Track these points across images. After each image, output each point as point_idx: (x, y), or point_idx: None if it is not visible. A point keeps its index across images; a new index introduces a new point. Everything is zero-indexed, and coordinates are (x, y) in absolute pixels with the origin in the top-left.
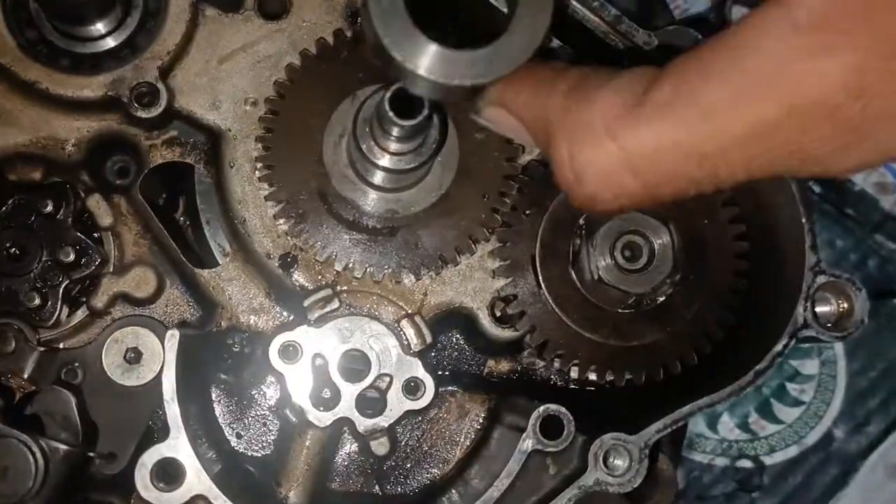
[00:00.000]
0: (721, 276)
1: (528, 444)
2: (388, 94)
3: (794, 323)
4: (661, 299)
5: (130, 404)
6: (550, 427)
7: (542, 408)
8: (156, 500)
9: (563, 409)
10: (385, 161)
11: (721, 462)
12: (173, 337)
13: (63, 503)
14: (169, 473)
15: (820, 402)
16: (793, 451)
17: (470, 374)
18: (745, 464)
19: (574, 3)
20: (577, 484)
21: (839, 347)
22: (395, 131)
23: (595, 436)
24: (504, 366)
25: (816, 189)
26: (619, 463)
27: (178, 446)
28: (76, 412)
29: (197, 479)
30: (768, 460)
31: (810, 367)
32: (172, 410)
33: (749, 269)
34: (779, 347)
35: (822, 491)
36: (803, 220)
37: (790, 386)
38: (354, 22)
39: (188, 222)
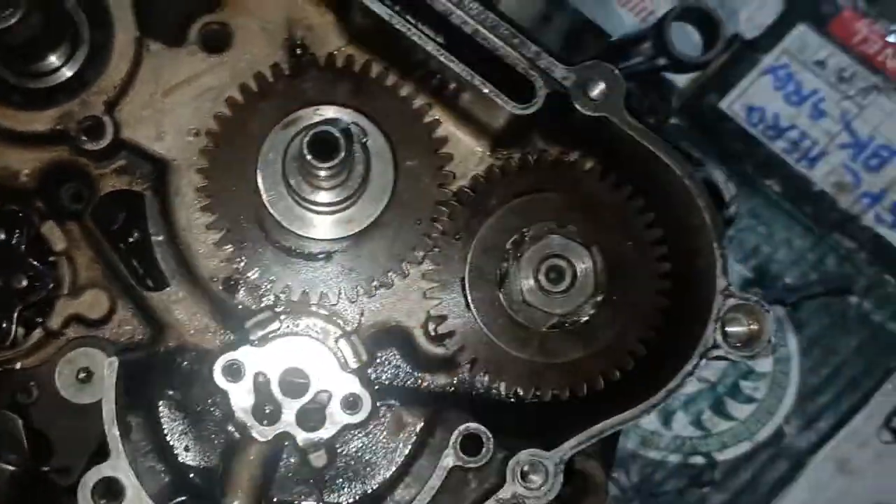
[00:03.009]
0: (643, 296)
1: (448, 460)
2: (307, 139)
3: (705, 343)
4: (585, 319)
5: (83, 420)
6: (471, 444)
7: (462, 426)
8: None
9: (483, 428)
10: (314, 195)
11: (674, 458)
12: (112, 365)
13: None
14: (111, 491)
15: (772, 400)
16: (744, 447)
17: (408, 388)
18: (698, 460)
19: (493, 38)
20: (495, 497)
21: (793, 345)
22: (318, 171)
23: (514, 452)
24: (440, 380)
25: (776, 188)
26: (535, 478)
27: (118, 466)
28: (23, 433)
29: (136, 496)
30: (720, 456)
31: (764, 364)
32: (112, 434)
33: (671, 289)
34: (689, 367)
35: (771, 486)
36: (714, 245)
37: (744, 384)
38: (294, 54)
39: (141, 246)
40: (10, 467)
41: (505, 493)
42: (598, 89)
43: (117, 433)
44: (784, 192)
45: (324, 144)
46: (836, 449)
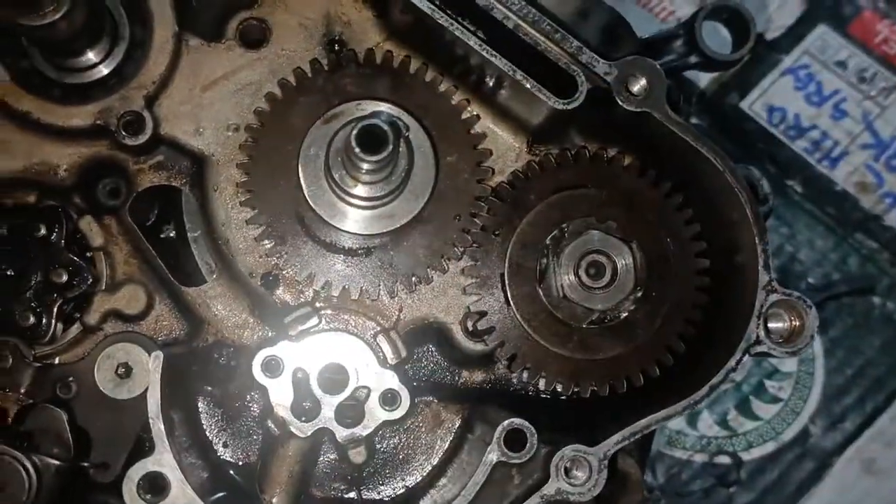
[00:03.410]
0: (683, 292)
1: (492, 456)
2: (355, 132)
3: (748, 339)
4: (625, 315)
5: (122, 416)
6: (515, 440)
7: (506, 422)
8: None
9: (527, 424)
10: (357, 189)
11: (700, 458)
12: (157, 358)
13: None
14: (155, 486)
15: (797, 399)
16: (770, 447)
17: (445, 384)
18: (724, 459)
19: (535, 33)
20: (539, 493)
21: (818, 345)
22: (363, 165)
23: (557, 447)
24: (478, 376)
25: (798, 189)
26: (580, 473)
27: (163, 461)
28: (68, 428)
29: (181, 491)
30: (746, 456)
31: (789, 364)
32: (157, 428)
33: (710, 285)
34: (732, 363)
35: (797, 486)
36: (756, 240)
37: (769, 383)
38: (332, 50)
39: (176, 242)
40: (55, 462)
41: (549, 488)
42: (639, 84)
43: (162, 427)
44: (806, 192)
45: (372, 137)
46: (861, 449)
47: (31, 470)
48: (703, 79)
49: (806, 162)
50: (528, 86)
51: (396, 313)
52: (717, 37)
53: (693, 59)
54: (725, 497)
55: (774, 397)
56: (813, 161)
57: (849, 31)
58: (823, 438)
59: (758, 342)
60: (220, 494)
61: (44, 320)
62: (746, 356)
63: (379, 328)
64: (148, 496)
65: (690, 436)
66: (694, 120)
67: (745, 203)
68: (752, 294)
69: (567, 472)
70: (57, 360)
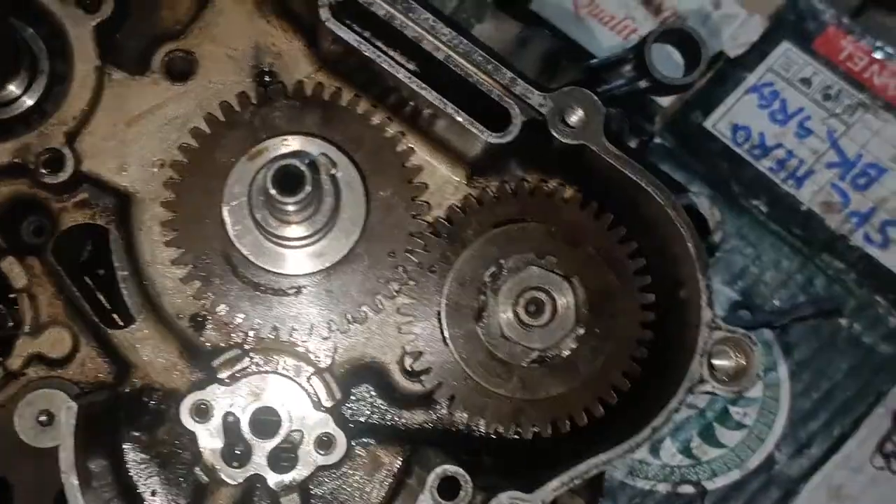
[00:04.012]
0: (627, 328)
1: None
2: (271, 173)
3: (691, 378)
4: (567, 353)
5: (45, 464)
6: (449, 488)
7: (439, 469)
8: None
9: (461, 471)
10: (281, 230)
11: (663, 488)
12: (70, 410)
13: None
14: None
15: (763, 425)
16: (735, 476)
17: (384, 426)
18: (687, 489)
19: (466, 64)
20: None
21: (783, 369)
22: (284, 206)
23: (493, 494)
24: (418, 417)
25: (763, 209)
26: None
27: None
28: None
29: None
30: (710, 485)
31: (754, 389)
32: (70, 482)
33: (655, 321)
34: (674, 404)
35: None
36: (699, 276)
37: (733, 409)
38: (261, 82)
39: (106, 281)
40: None
41: None
42: (576, 116)
43: (76, 482)
44: (771, 212)
45: (289, 178)
46: (828, 475)
47: None
48: (666, 98)
49: (771, 181)
50: (459, 119)
51: (331, 354)
52: (669, 61)
53: (643, 83)
54: None
55: (739, 423)
56: (778, 180)
57: (813, 48)
58: (789, 465)
59: (702, 381)
60: None
61: None
62: (689, 395)
63: (313, 369)
64: None
65: (653, 465)
66: (658, 140)
67: (687, 239)
68: (696, 331)
69: None
70: None
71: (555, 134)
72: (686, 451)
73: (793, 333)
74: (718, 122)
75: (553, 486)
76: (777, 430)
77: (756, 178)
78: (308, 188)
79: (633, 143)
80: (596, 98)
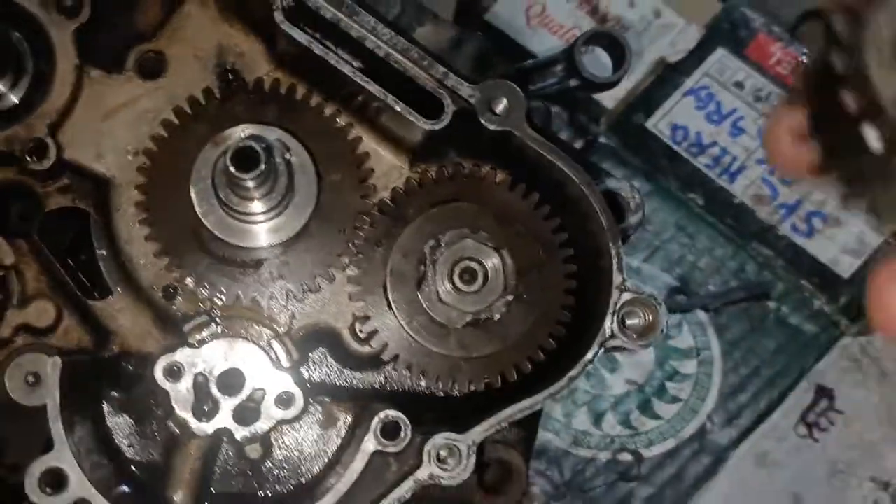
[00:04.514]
0: (553, 295)
1: (369, 444)
2: (230, 153)
3: (603, 334)
4: (497, 316)
5: (32, 421)
6: (390, 430)
7: (382, 413)
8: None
9: (401, 415)
10: (242, 206)
11: (604, 456)
12: (55, 365)
13: None
14: (55, 481)
15: (696, 399)
16: (669, 444)
17: (339, 385)
18: (626, 457)
19: (404, 60)
20: (413, 477)
21: (716, 348)
22: (242, 182)
23: (430, 436)
24: (369, 377)
25: (699, 202)
26: (451, 460)
27: (62, 457)
28: None
29: (79, 485)
30: (647, 453)
31: (689, 367)
32: (56, 428)
33: (577, 288)
34: (589, 356)
35: (694, 479)
36: (610, 244)
37: (669, 385)
38: (225, 79)
39: (88, 258)
40: None
41: (422, 473)
42: (501, 105)
43: (61, 427)
44: (707, 204)
45: (246, 157)
46: (755, 444)
47: None
48: (610, 100)
49: (707, 176)
50: (398, 109)
51: (289, 320)
52: (598, 63)
53: (573, 81)
54: (626, 491)
55: (675, 398)
56: (713, 175)
57: (745, 54)
58: (720, 434)
59: (612, 336)
60: (124, 488)
61: None
62: (602, 349)
63: (273, 334)
64: (48, 489)
65: (595, 435)
66: (602, 139)
67: (600, 213)
68: (607, 295)
69: (440, 458)
70: None
71: (483, 121)
72: (626, 422)
73: (725, 315)
74: (659, 123)
75: (482, 428)
76: (709, 404)
77: (693, 173)
78: (262, 166)
79: (578, 144)
80: (518, 89)
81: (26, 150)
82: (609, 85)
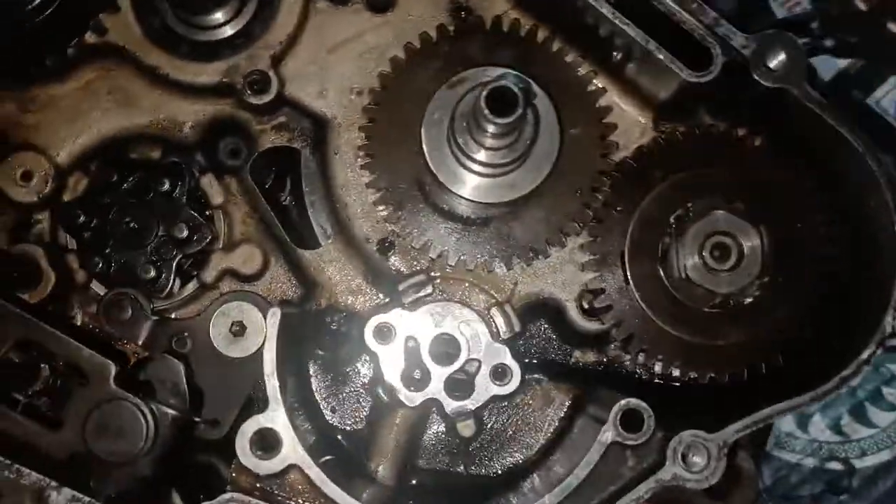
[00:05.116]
0: (811, 280)
1: (608, 435)
2: (485, 92)
3: (882, 331)
4: (749, 300)
5: (234, 374)
6: (631, 420)
7: (623, 401)
8: (254, 466)
9: (644, 404)
10: (480, 155)
11: (810, 462)
12: (275, 315)
13: (170, 465)
14: (267, 443)
15: None
16: (885, 456)
17: (556, 363)
18: (835, 466)
19: (669, 2)
20: (654, 478)
21: None
22: (491, 128)
23: (674, 432)
24: (590, 357)
25: None
26: (698, 460)
27: (275, 418)
28: (184, 380)
29: (292, 449)
30: (859, 463)
31: None
32: (272, 384)
33: (841, 274)
34: (865, 356)
35: None
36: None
37: (886, 390)
38: (458, 16)
39: (293, 204)
40: (172, 412)
41: (665, 473)
42: (777, 60)
43: (277, 384)
44: None
45: (503, 99)
46: None
47: (150, 417)
48: (826, 74)
49: None
50: (660, 57)
51: (511, 287)
52: None
53: (829, 42)
54: None
55: (892, 405)
56: None
57: None
58: None
59: (893, 335)
60: (327, 457)
61: (163, 275)
62: (880, 349)
63: (493, 301)
64: (259, 452)
65: (801, 439)
66: None
67: (885, 190)
68: (889, 286)
69: (684, 457)
70: (173, 315)
71: (756, 76)
72: (835, 427)
73: None
74: (882, 100)
75: (735, 428)
76: None
77: None
78: (520, 110)
79: None
80: (799, 42)
81: (247, 82)
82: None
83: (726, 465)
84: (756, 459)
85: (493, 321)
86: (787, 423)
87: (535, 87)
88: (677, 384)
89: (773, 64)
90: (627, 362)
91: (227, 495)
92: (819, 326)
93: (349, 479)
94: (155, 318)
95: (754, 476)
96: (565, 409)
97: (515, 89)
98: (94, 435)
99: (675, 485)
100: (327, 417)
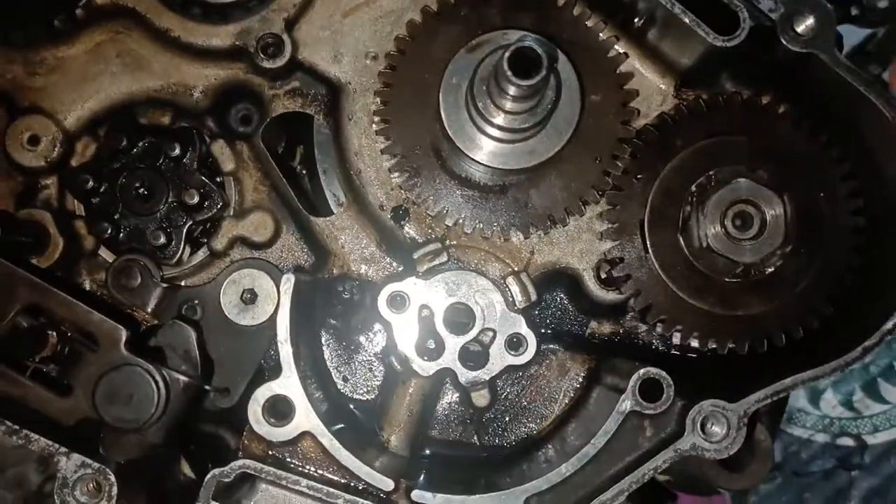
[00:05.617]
0: (835, 251)
1: (626, 404)
2: (508, 54)
3: None
4: (770, 270)
5: (244, 342)
6: (650, 390)
7: (642, 370)
8: (266, 434)
9: (664, 373)
10: (500, 119)
11: (821, 438)
12: (289, 281)
13: (180, 432)
14: (279, 410)
15: None
16: None
17: (572, 333)
18: (847, 442)
19: None
20: (673, 447)
21: None
22: (512, 90)
23: (694, 401)
24: (606, 328)
25: None
26: (717, 430)
27: (288, 385)
28: (196, 347)
29: (305, 416)
30: (871, 440)
31: None
32: (285, 350)
33: (864, 245)
34: (889, 325)
35: None
36: None
37: None
38: None
39: (305, 171)
40: (183, 378)
41: (684, 443)
42: (805, 24)
43: (290, 351)
44: None
45: (526, 60)
46: None
47: (161, 383)
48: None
49: None
50: (686, 20)
51: (528, 255)
52: None
53: (854, 10)
54: (846, 481)
55: None
56: None
57: None
58: None
59: None
60: (339, 426)
61: (173, 241)
62: None
63: (509, 270)
64: (272, 419)
65: (812, 414)
66: None
67: None
68: None
69: (703, 427)
70: (183, 283)
71: (784, 41)
72: (847, 403)
73: None
74: None
75: (756, 398)
76: None
77: None
78: (543, 72)
79: None
80: (830, 6)
81: (259, 45)
82: (888, 18)
83: (747, 435)
84: (772, 432)
85: (509, 290)
86: (798, 399)
87: (556, 51)
88: (693, 355)
89: (801, 28)
90: (644, 333)
91: (238, 462)
92: (841, 298)
93: (362, 449)
94: (164, 285)
95: (769, 451)
96: (581, 380)
97: (540, 50)
98: (103, 401)
99: (692, 454)
100: (340, 386)
